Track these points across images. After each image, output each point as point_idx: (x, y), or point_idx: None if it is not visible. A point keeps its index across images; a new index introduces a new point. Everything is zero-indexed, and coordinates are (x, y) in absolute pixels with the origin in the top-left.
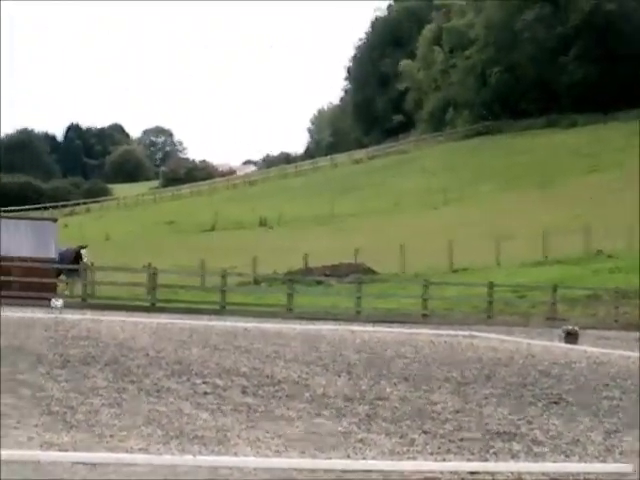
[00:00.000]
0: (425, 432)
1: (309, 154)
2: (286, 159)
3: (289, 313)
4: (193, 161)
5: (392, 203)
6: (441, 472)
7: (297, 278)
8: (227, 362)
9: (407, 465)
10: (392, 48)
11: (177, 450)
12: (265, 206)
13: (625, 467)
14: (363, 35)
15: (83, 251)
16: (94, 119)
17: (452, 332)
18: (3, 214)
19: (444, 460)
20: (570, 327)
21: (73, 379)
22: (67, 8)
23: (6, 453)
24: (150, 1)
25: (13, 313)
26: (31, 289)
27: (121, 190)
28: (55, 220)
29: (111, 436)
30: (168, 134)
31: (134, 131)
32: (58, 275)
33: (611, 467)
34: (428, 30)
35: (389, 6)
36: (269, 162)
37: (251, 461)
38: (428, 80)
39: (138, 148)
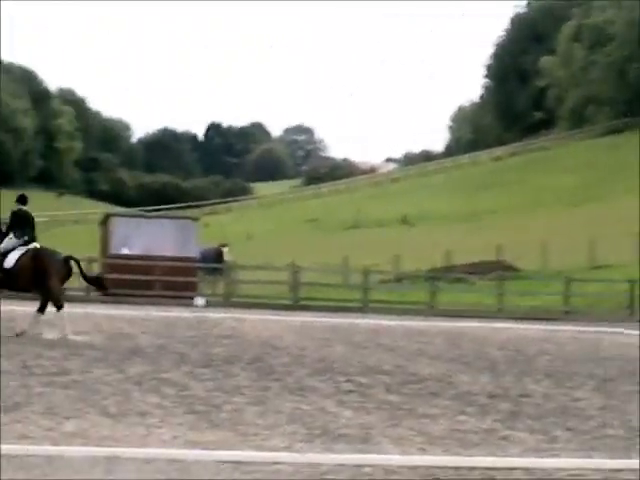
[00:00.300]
0: (568, 429)
1: (449, 151)
2: (426, 157)
3: (431, 310)
4: (334, 159)
5: (532, 200)
6: (584, 469)
7: (439, 275)
8: (370, 360)
9: (550, 462)
10: (532, 44)
11: (321, 448)
12: (406, 204)
13: None
14: (503, 32)
15: (224, 249)
16: (235, 118)
17: (594, 329)
18: (145, 213)
19: (588, 457)
20: None
21: (216, 378)
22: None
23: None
24: None
25: (156, 312)
26: (173, 288)
27: (262, 189)
28: (196, 219)
29: (255, 434)
30: (309, 132)
31: (275, 129)
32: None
33: None
34: (568, 27)
35: (528, 3)
36: (409, 160)
37: (395, 459)
38: (568, 77)
39: (279, 146)
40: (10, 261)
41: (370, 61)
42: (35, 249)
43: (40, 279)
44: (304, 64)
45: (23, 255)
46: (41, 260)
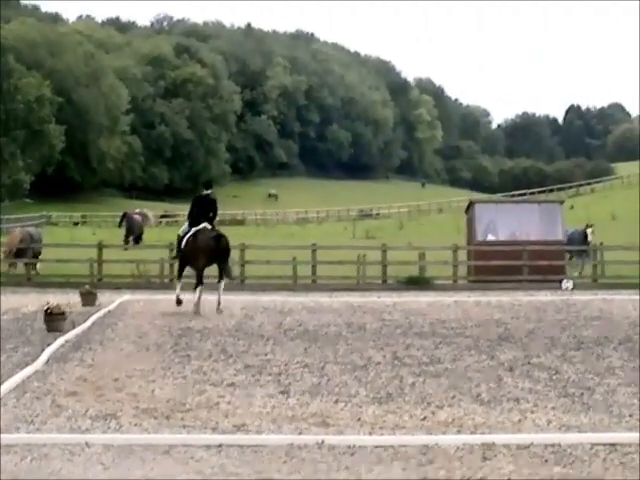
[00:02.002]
0: None
1: None
2: None
3: None
4: None
5: None
6: None
7: None
8: None
9: None
10: None
11: None
12: None
13: None
14: None
15: (588, 231)
16: (594, 99)
17: None
18: (509, 199)
19: None
20: None
21: (588, 360)
22: None
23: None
24: None
25: (524, 297)
26: (541, 272)
27: (624, 168)
28: (561, 202)
29: (630, 415)
30: None
31: (634, 109)
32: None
33: None
34: None
35: None
36: None
37: None
38: None
39: (639, 126)
40: (183, 242)
41: None
42: (196, 230)
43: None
44: None
45: (190, 236)
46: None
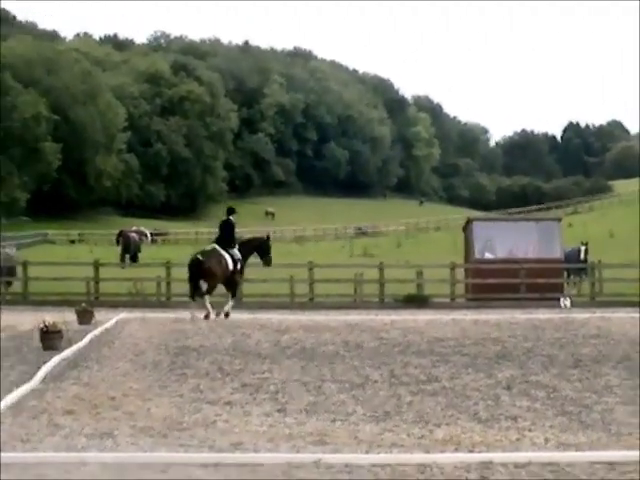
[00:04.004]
0: None
1: None
2: None
3: None
4: None
5: None
6: None
7: None
8: None
9: None
10: None
11: None
12: None
13: None
14: None
15: (582, 248)
16: (593, 117)
17: None
18: (507, 216)
19: None
20: None
21: (586, 378)
22: None
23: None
24: None
25: (522, 315)
26: (539, 290)
27: (622, 186)
28: (559, 219)
29: (629, 434)
30: None
31: (633, 126)
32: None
33: None
34: None
35: None
36: None
37: None
38: None
39: (638, 144)
40: None
41: None
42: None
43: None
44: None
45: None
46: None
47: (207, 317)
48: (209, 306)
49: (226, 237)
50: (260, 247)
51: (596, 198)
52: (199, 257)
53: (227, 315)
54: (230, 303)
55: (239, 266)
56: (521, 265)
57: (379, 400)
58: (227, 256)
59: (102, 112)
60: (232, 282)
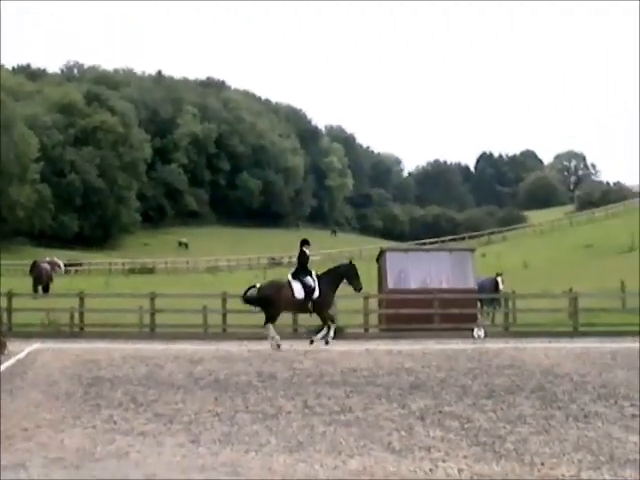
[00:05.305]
0: None
1: None
2: None
3: None
4: (607, 183)
5: None
6: None
7: None
8: None
9: None
10: None
11: (608, 475)
12: None
13: None
14: None
15: (499, 279)
16: (505, 146)
17: None
18: (420, 247)
19: None
20: None
21: (500, 408)
22: None
23: None
24: None
25: (436, 345)
26: (453, 320)
27: (536, 216)
28: (473, 250)
29: (542, 464)
30: (580, 158)
31: (546, 156)
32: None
33: None
34: None
35: None
36: None
37: None
38: None
39: (551, 174)
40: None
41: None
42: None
43: None
44: (570, 89)
45: None
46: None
47: (279, 346)
48: (271, 333)
49: (298, 266)
50: (347, 273)
51: (510, 228)
52: (256, 285)
53: (327, 342)
54: (323, 331)
55: (316, 294)
56: (434, 295)
57: (292, 431)
58: (295, 284)
59: (15, 142)
60: (315, 310)
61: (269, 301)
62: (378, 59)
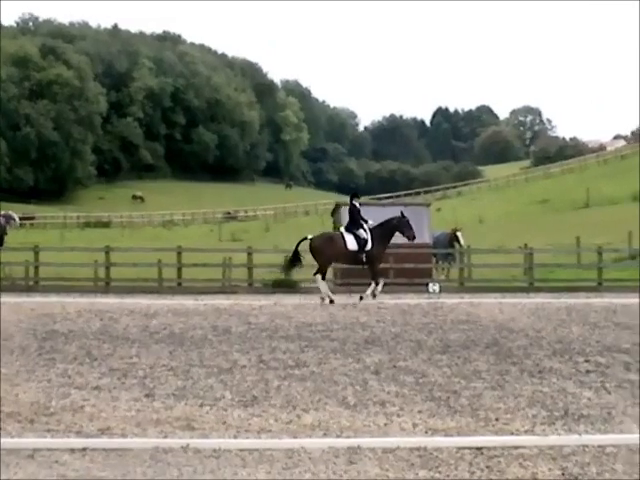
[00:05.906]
0: None
1: None
2: None
3: None
4: (563, 139)
5: None
6: None
7: None
8: (608, 339)
9: None
10: None
11: (563, 430)
12: (637, 180)
13: None
14: None
15: (458, 234)
16: (461, 101)
17: None
18: (376, 201)
19: None
20: None
21: (455, 364)
22: None
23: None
24: None
25: (390, 300)
26: (408, 275)
27: (491, 171)
28: (428, 204)
29: (496, 419)
30: (536, 113)
31: (502, 111)
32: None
33: None
34: None
35: None
36: (638, 136)
37: (638, 438)
38: None
39: (506, 129)
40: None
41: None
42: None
43: None
44: (527, 44)
45: None
46: None
47: (332, 301)
48: (321, 287)
49: (351, 220)
50: (399, 225)
51: (465, 183)
52: (308, 237)
53: (374, 296)
54: (372, 285)
55: (369, 246)
56: (389, 250)
57: (247, 385)
58: (348, 236)
59: None
60: (367, 262)
61: (321, 252)
62: (334, 12)
